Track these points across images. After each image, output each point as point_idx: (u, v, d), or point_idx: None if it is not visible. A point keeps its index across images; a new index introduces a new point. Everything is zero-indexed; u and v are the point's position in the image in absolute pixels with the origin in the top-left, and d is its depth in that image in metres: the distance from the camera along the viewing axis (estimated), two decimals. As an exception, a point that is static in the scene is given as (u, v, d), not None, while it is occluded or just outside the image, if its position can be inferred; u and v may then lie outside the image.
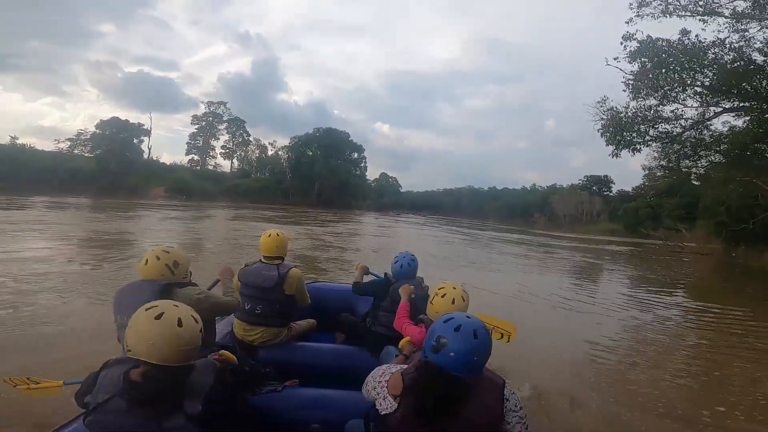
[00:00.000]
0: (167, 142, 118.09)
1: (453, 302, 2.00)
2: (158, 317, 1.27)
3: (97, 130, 48.60)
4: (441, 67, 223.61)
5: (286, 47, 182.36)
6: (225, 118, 68.72)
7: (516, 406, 1.38)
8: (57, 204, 25.50)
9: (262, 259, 2.82)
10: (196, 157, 66.33)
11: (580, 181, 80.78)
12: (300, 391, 2.23)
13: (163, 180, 49.45)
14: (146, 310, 1.30)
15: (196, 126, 66.88)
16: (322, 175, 65.55)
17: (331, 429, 1.95)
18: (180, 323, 1.29)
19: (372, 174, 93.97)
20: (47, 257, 8.06)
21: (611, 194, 76.12)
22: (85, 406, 1.33)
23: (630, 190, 71.54)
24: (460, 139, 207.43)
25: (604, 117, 19.81)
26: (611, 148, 19.71)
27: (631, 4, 18.05)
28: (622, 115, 19.42)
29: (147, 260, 2.02)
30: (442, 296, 2.03)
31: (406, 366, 1.47)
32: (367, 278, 3.45)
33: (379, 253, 13.57)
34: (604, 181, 79.16)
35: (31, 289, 5.65)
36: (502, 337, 2.13)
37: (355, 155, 75.31)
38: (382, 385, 1.41)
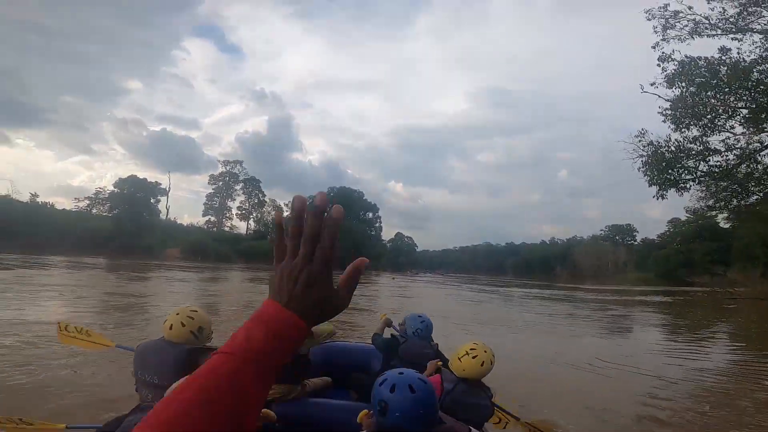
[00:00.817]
0: (187, 203, 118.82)
1: (482, 365, 2.06)
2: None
3: (116, 189, 49.46)
4: (449, 121, 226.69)
5: (299, 105, 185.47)
6: (241, 178, 69.73)
7: None
8: (74, 264, 25.31)
9: None
10: (212, 218, 67.07)
11: (602, 232, 79.04)
12: None
13: (179, 241, 49.51)
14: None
15: (213, 186, 68.07)
16: (337, 235, 64.85)
17: None
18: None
19: (387, 234, 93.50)
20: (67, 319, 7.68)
21: (635, 243, 73.76)
22: None
23: (655, 238, 69.99)
24: (473, 195, 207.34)
25: (644, 153, 17.36)
26: (653, 189, 17.16)
27: (655, 28, 16.65)
28: (664, 149, 17.13)
29: (172, 325, 2.05)
30: (473, 357, 2.08)
31: None
32: (388, 331, 3.53)
33: (400, 313, 11.79)
34: (627, 231, 77.22)
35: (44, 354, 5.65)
36: None
37: (370, 215, 75.61)
38: None
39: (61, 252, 31.88)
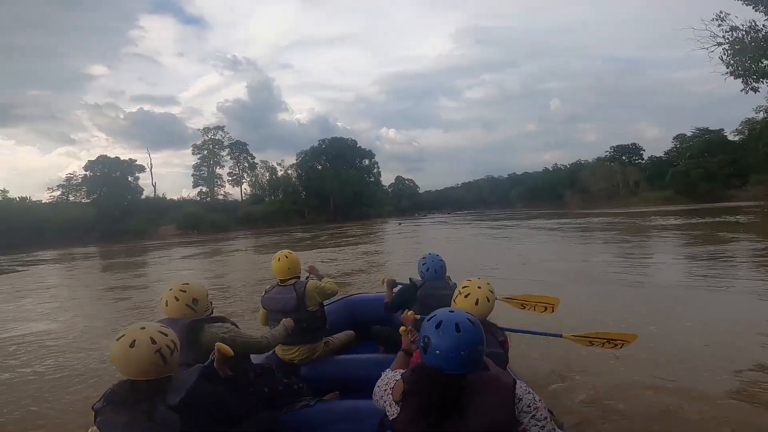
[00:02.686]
0: (184, 178, 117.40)
1: (477, 303, 1.92)
2: (132, 345, 1.39)
3: (87, 172, 46.32)
4: (434, 64, 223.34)
5: (277, 67, 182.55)
6: (226, 144, 66.29)
7: (530, 407, 1.28)
8: (66, 256, 23.50)
9: (279, 283, 2.83)
10: (204, 189, 64.28)
11: (607, 153, 75.55)
12: (332, 404, 2.25)
13: (172, 218, 47.18)
14: (117, 340, 1.41)
15: (198, 156, 64.69)
16: (334, 187, 62.62)
17: None
18: (153, 341, 1.41)
19: (387, 180, 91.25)
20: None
21: (643, 161, 70.69)
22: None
23: (662, 155, 66.87)
24: (468, 131, 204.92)
25: (725, 40, 14.70)
26: (733, 82, 14.71)
27: None
28: (751, 36, 14.17)
29: (167, 301, 2.04)
30: (466, 296, 1.96)
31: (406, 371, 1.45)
32: (396, 290, 3.27)
33: (412, 264, 9.79)
34: (633, 150, 73.70)
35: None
36: (545, 309, 2.54)
37: (366, 162, 72.34)
38: (387, 392, 1.41)
39: (47, 245, 29.71)
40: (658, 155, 68.53)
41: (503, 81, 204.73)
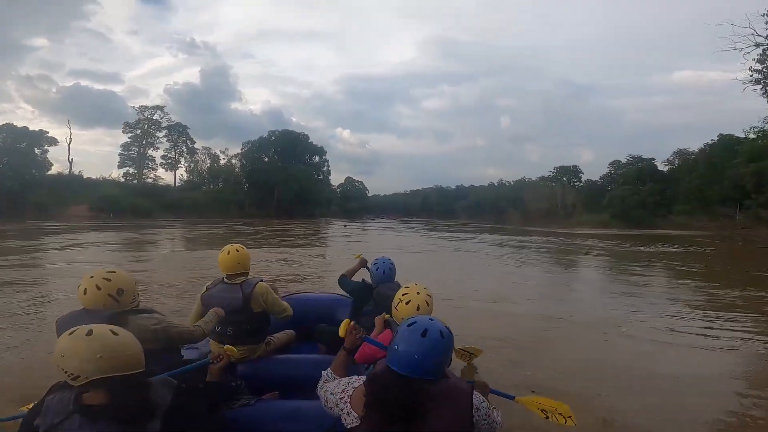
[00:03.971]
0: (115, 158, 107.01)
1: (418, 309, 1.98)
2: (89, 334, 1.25)
3: None
4: (396, 70, 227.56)
5: (239, 56, 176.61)
6: (164, 125, 60.47)
7: (486, 415, 1.33)
8: None
9: (225, 279, 2.64)
10: (132, 170, 57.97)
11: (550, 173, 79.19)
12: (274, 403, 2.21)
13: (87, 198, 41.43)
14: (70, 334, 1.26)
15: (130, 135, 58.34)
16: (280, 181, 59.32)
17: None
18: (114, 332, 1.29)
19: (336, 180, 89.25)
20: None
21: (581, 184, 74.83)
22: (34, 430, 1.27)
23: (597, 179, 71.34)
24: (420, 140, 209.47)
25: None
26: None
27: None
28: None
29: (86, 290, 1.83)
30: (407, 303, 2.02)
31: (363, 378, 1.43)
32: (359, 275, 3.48)
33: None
34: (573, 172, 77.85)
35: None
36: (565, 422, 2.02)
37: (316, 159, 69.67)
38: (344, 400, 1.38)
39: None
40: (593, 179, 72.87)
41: (460, 94, 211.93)
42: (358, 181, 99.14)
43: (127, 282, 1.91)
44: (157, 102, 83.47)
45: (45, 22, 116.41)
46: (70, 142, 50.46)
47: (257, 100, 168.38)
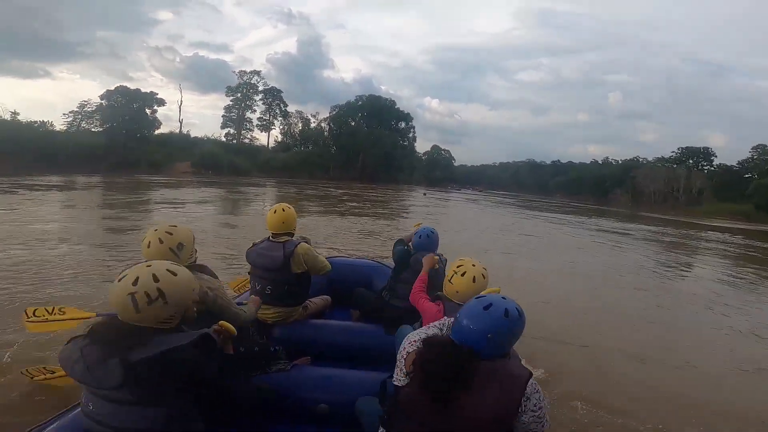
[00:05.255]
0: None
1: (474, 281, 1.90)
2: (120, 279, 1.28)
3: (103, 101, 43.81)
4: (490, 40, 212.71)
5: (331, 26, 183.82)
6: (260, 89, 62.84)
7: (536, 407, 1.23)
8: (68, 183, 21.81)
9: (270, 237, 2.66)
10: (232, 131, 61.80)
11: (673, 154, 67.66)
12: (309, 369, 2.20)
13: (191, 155, 44.93)
14: (119, 281, 1.28)
15: (231, 98, 61.55)
16: (365, 145, 58.92)
17: (339, 409, 1.89)
18: (156, 278, 1.28)
19: (422, 148, 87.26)
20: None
21: (713, 169, 62.82)
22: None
23: (735, 164, 58.95)
24: (514, 112, 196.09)
25: None
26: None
27: None
28: None
29: (150, 242, 1.86)
30: (462, 274, 1.93)
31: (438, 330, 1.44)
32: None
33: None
34: (704, 155, 65.47)
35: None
36: None
37: (402, 125, 67.63)
38: (402, 355, 1.37)
39: (56, 172, 27.93)
40: (729, 164, 60.69)
41: (560, 67, 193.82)
42: (444, 150, 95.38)
43: (187, 237, 1.93)
44: (261, 70, 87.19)
45: None
46: (181, 104, 56.32)
47: (348, 69, 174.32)
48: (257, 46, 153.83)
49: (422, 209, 22.55)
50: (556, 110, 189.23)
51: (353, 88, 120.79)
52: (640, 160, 73.97)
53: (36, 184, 19.68)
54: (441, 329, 1.47)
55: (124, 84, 45.46)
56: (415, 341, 1.38)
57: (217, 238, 8.95)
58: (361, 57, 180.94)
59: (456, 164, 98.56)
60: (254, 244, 2.67)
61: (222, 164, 44.53)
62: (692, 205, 49.90)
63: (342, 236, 10.32)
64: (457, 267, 1.97)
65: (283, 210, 2.63)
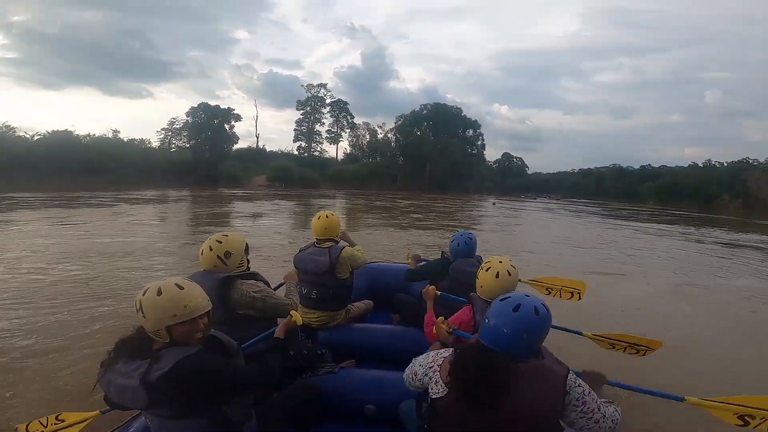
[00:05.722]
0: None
1: (497, 276, 1.90)
2: (159, 293, 1.29)
3: (188, 118, 47.81)
4: (558, 43, 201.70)
5: (392, 37, 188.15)
6: (327, 101, 65.26)
7: (578, 401, 1.22)
8: (161, 197, 24.12)
9: (315, 243, 2.76)
10: (304, 144, 64.56)
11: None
12: (356, 372, 2.25)
13: (266, 168, 47.52)
14: (144, 294, 1.30)
15: (302, 112, 64.59)
16: (432, 155, 58.01)
17: (385, 410, 1.94)
18: (180, 287, 1.32)
19: (493, 156, 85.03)
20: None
21: None
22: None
23: None
24: (591, 116, 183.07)
25: None
26: None
27: None
28: None
29: (203, 250, 1.94)
30: (487, 270, 1.94)
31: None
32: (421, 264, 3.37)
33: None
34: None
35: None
36: (572, 296, 2.50)
37: (470, 132, 65.57)
38: (434, 369, 1.34)
39: (151, 186, 31.11)
40: None
41: (644, 66, 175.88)
42: (516, 157, 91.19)
43: (236, 245, 1.96)
44: (330, 84, 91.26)
45: (242, 16, 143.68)
46: (257, 119, 59.93)
47: (413, 79, 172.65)
48: (325, 60, 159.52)
49: (490, 220, 20.99)
50: (643, 112, 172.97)
51: (419, 98, 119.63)
52: (751, 161, 64.05)
53: (134, 198, 21.81)
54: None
55: (206, 101, 49.37)
56: (436, 358, 1.37)
57: (275, 247, 8.85)
58: (425, 67, 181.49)
59: (530, 172, 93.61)
60: (301, 250, 2.76)
61: (294, 177, 46.50)
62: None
63: (400, 251, 9.50)
64: (485, 263, 1.98)
65: (327, 217, 2.73)
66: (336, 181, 50.86)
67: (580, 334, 2.28)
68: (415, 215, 20.12)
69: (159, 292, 1.28)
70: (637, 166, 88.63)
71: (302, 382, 1.99)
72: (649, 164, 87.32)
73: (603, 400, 1.32)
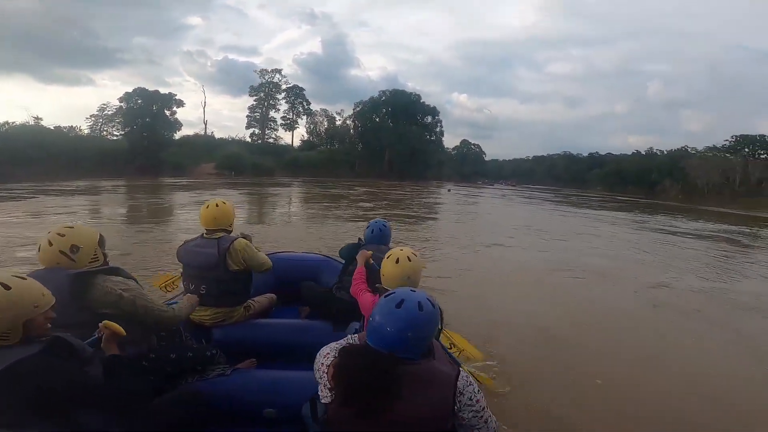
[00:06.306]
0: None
1: (397, 261, 1.86)
2: None
3: (121, 104, 43.96)
4: (516, 34, 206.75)
5: (354, 24, 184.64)
6: (283, 87, 62.46)
7: (472, 399, 1.19)
8: (90, 188, 21.81)
9: (204, 234, 2.49)
10: (257, 131, 61.72)
11: (727, 142, 61.82)
12: (252, 373, 2.11)
13: (214, 156, 44.78)
14: None
15: (255, 98, 61.54)
16: (391, 142, 57.38)
17: (287, 413, 1.78)
18: (6, 286, 1.17)
19: (451, 143, 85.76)
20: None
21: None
22: None
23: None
24: (545, 105, 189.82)
25: None
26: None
27: None
28: None
29: (40, 246, 1.70)
30: (387, 257, 1.91)
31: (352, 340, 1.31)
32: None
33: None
34: (761, 142, 59.43)
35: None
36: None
37: (429, 119, 65.42)
38: (323, 369, 1.23)
39: (81, 177, 28.16)
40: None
41: (593, 58, 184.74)
42: (474, 144, 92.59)
43: (85, 238, 1.73)
44: (289, 71, 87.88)
45: (195, 2, 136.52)
46: (205, 105, 56.30)
47: (374, 67, 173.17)
48: (284, 47, 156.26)
49: (444, 208, 20.59)
50: (591, 101, 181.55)
51: (380, 86, 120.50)
52: (689, 150, 68.52)
53: (61, 189, 19.53)
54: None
55: (149, 87, 45.69)
56: (328, 353, 1.25)
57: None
58: (386, 55, 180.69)
59: (487, 159, 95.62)
60: (185, 242, 2.51)
61: (245, 165, 44.17)
62: (753, 196, 44.99)
63: (327, 241, 8.56)
64: (388, 253, 1.93)
65: (216, 206, 2.48)
66: (292, 169, 49.02)
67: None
68: (366, 204, 19.31)
69: (6, 287, 1.17)
70: (585, 154, 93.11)
71: (183, 388, 1.77)
72: (597, 152, 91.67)
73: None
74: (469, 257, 8.50)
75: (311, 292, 2.95)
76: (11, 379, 1.08)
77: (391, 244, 2.90)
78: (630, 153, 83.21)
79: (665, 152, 73.58)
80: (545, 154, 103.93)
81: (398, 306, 1.17)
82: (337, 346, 1.26)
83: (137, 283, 1.80)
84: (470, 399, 1.18)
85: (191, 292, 2.39)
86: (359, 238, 2.99)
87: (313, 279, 3.21)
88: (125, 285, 1.70)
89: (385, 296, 1.23)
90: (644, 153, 79.76)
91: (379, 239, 2.86)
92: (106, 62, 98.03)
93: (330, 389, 1.18)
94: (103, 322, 1.44)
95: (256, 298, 2.68)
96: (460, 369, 1.23)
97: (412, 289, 1.27)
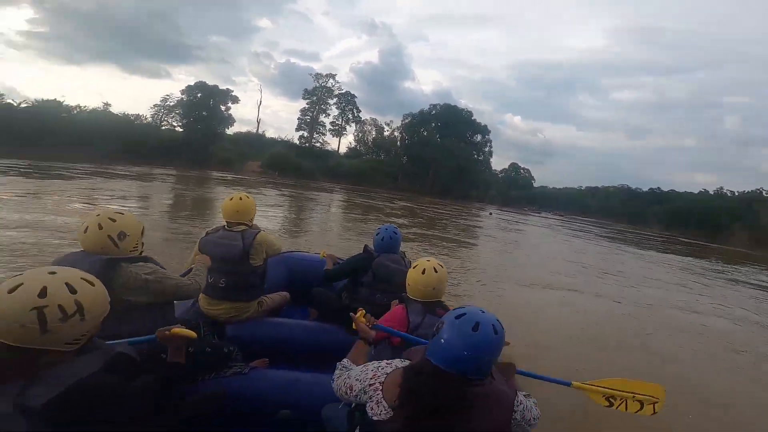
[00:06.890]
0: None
1: (424, 272, 1.88)
2: (12, 290, 0.99)
3: (182, 96, 45.86)
4: (580, 57, 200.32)
5: (413, 38, 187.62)
6: (335, 93, 63.02)
7: (522, 417, 1.23)
8: (141, 174, 22.61)
9: (225, 227, 2.55)
10: (306, 134, 62.92)
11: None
12: (269, 372, 2.09)
13: (261, 155, 45.94)
14: (11, 291, 1.00)
15: (308, 101, 62.47)
16: (436, 157, 56.38)
17: (302, 414, 1.82)
18: (73, 289, 1.04)
19: (500, 165, 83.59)
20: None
21: None
22: None
23: None
24: (606, 134, 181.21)
25: None
26: None
27: None
28: None
29: (87, 227, 1.66)
30: (414, 267, 1.94)
31: (404, 363, 1.29)
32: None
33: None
34: None
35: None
36: (641, 408, 1.75)
37: (478, 138, 63.76)
38: (375, 387, 1.23)
39: (138, 163, 29.56)
40: None
41: (665, 87, 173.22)
42: (524, 169, 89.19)
43: (132, 227, 1.75)
44: (345, 79, 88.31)
45: (267, 4, 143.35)
46: (260, 105, 58.33)
47: (428, 81, 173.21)
48: (343, 55, 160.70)
49: (482, 233, 19.31)
50: (657, 133, 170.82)
51: (432, 100, 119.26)
52: (764, 193, 62.30)
53: (115, 173, 20.42)
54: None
55: (203, 80, 47.96)
56: (377, 371, 1.26)
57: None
58: (442, 70, 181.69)
59: (536, 185, 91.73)
60: (207, 233, 2.50)
61: (290, 166, 44.90)
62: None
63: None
64: (414, 264, 1.95)
65: (240, 199, 2.53)
66: (333, 175, 49.31)
67: (569, 384, 1.81)
68: (399, 220, 18.47)
69: (92, 283, 1.11)
70: (645, 189, 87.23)
71: (205, 386, 1.79)
72: (659, 187, 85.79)
73: (522, 393, 1.32)
74: (525, 294, 7.47)
75: (322, 297, 2.93)
76: (80, 401, 0.97)
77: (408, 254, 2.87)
78: (696, 192, 77.32)
79: (736, 193, 67.65)
80: (599, 186, 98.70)
81: (474, 329, 1.15)
82: (390, 364, 1.27)
83: (160, 266, 1.78)
84: (521, 416, 1.22)
85: (210, 284, 2.38)
86: (366, 246, 2.86)
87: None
88: (148, 268, 1.69)
89: (456, 317, 1.19)
90: (712, 192, 73.75)
91: (390, 246, 2.78)
92: (184, 58, 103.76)
93: (392, 408, 1.16)
94: (171, 330, 1.37)
95: (269, 295, 2.72)
96: (517, 391, 1.27)
97: (482, 309, 1.24)
